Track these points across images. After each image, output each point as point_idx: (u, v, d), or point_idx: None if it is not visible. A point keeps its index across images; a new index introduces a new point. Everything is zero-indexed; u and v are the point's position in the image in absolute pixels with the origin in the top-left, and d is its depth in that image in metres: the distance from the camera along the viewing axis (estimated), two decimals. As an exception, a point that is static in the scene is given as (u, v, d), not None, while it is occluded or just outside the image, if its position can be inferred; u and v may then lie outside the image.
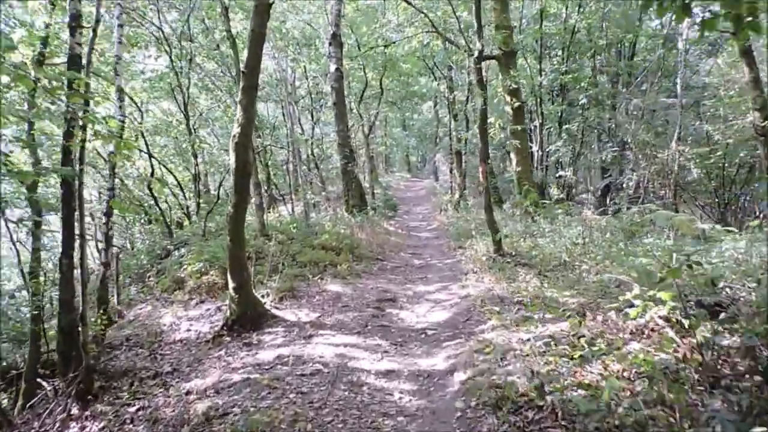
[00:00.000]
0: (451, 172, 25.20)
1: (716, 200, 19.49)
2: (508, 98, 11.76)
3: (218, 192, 14.73)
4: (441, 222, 19.39)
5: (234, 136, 7.59)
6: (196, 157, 16.50)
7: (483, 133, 10.32)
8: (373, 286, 9.61)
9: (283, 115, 24.81)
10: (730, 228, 12.17)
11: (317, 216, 16.45)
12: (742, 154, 18.50)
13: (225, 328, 7.71)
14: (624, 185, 14.82)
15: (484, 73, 23.09)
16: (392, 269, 11.33)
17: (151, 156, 13.62)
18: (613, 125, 22.89)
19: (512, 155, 13.47)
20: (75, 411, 6.22)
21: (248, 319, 7.66)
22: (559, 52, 21.99)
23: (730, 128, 17.37)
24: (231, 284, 7.74)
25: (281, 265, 9.93)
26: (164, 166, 16.48)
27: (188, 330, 8.26)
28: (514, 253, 10.69)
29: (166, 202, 15.56)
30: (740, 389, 3.88)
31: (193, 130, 16.10)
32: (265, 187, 21.41)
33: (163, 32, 14.90)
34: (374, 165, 25.44)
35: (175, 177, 17.09)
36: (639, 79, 22.76)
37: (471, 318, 7.20)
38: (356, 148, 23.36)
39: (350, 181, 17.86)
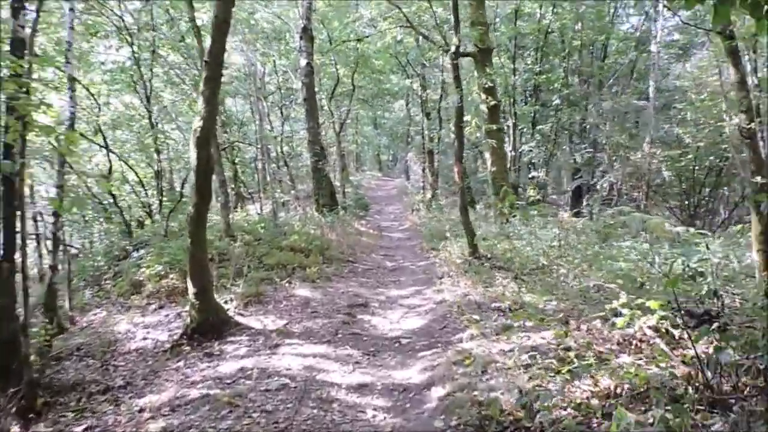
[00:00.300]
0: (423, 171, 24.87)
1: (686, 203, 19.59)
2: (483, 96, 11.45)
3: (182, 190, 14.06)
4: (413, 222, 19.04)
5: (195, 130, 7.06)
6: (158, 153, 15.77)
7: (459, 131, 9.97)
8: (344, 290, 9.16)
9: (252, 111, 24.26)
10: (702, 231, 12.10)
11: (286, 216, 15.92)
12: (711, 158, 18.61)
13: (184, 336, 7.17)
14: (597, 187, 14.66)
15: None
16: (364, 272, 10.91)
17: (109, 151, 12.90)
18: (587, 126, 22.91)
19: (487, 155, 13.19)
20: (16, 430, 5.63)
21: (210, 327, 7.14)
22: (533, 53, 21.87)
23: (702, 131, 17.42)
24: (191, 289, 7.21)
25: (247, 268, 9.42)
26: (125, 162, 15.69)
27: (145, 338, 7.68)
28: (489, 256, 10.37)
29: (125, 200, 14.80)
30: (744, 410, 3.57)
31: (155, 125, 15.38)
32: (232, 186, 20.80)
33: (124, 21, 14.16)
34: (345, 163, 24.96)
35: (136, 173, 16.31)
36: (611, 81, 22.82)
37: (447, 325, 6.82)
38: (327, 146, 22.85)
39: (321, 179, 17.37)
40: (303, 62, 17.32)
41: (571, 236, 11.14)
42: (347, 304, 8.13)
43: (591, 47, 22.29)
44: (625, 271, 8.22)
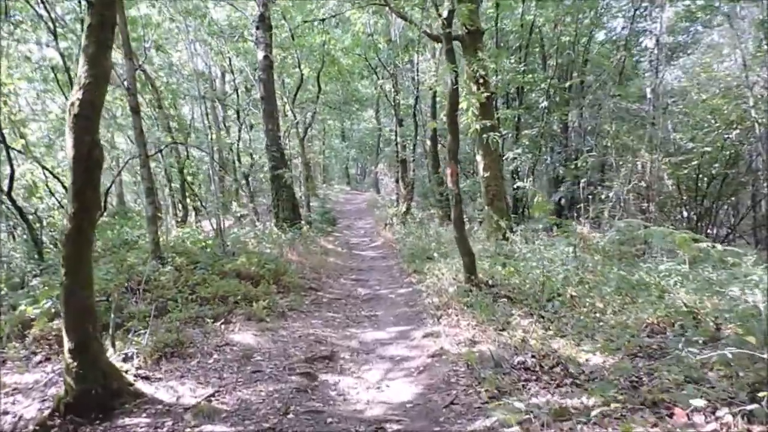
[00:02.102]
0: (397, 182, 22.65)
1: (691, 213, 17.82)
2: (473, 87, 9.27)
3: (105, 199, 11.43)
4: (387, 238, 16.75)
5: (72, 104, 4.66)
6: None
7: (452, 123, 7.75)
8: (303, 331, 6.78)
9: (207, 115, 21.77)
10: (735, 249, 10.01)
11: (239, 232, 13.46)
12: (716, 165, 16.89)
13: (56, 414, 4.70)
14: (605, 196, 12.64)
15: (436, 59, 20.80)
16: (330, 303, 8.54)
17: (8, 149, 10.26)
18: (570, 134, 21.06)
19: (478, 158, 11.03)
20: None
21: (93, 402, 4.69)
22: (516, 51, 19.96)
23: (709, 134, 15.66)
24: (67, 344, 4.76)
25: (173, 303, 6.98)
26: (45, 168, 13.03)
27: (5, 413, 5.16)
28: (490, 282, 8.14)
29: (35, 213, 12.13)
30: None
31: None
32: (180, 198, 18.23)
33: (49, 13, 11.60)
34: (310, 173, 22.57)
35: (60, 182, 13.65)
36: (598, 83, 21.08)
37: (456, 399, 4.50)
38: (291, 156, 20.47)
39: (280, 189, 14.98)
40: (260, 55, 15.01)
41: (586, 256, 9.00)
42: (305, 357, 5.74)
43: (576, 45, 20.46)
44: (690, 305, 6.06)
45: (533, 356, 5.23)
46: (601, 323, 6.11)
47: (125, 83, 9.09)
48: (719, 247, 8.46)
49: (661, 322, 6.05)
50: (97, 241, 10.78)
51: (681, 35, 22.08)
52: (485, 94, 10.03)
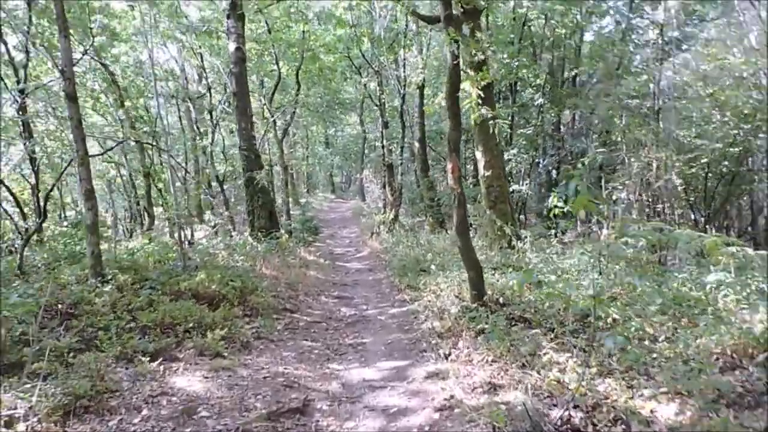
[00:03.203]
0: (383, 188, 21.28)
1: (697, 214, 16.57)
2: (471, 73, 7.88)
3: (43, 207, 9.84)
4: (373, 248, 15.34)
5: None
6: (33, 161, 11.65)
7: (453, 106, 6.34)
8: (270, 369, 5.29)
9: (180, 118, 20.26)
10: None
11: (206, 243, 11.93)
12: (726, 163, 15.68)
13: None
14: (615, 196, 11.32)
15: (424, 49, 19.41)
16: (307, 329, 7.06)
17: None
18: (563, 134, 19.86)
19: (478, 154, 9.62)
20: None
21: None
22: (509, 46, 18.67)
23: (720, 129, 14.43)
24: None
25: (105, 334, 5.46)
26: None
27: None
28: (501, 300, 6.72)
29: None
30: None
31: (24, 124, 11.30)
32: (145, 205, 16.66)
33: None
34: (290, 178, 21.06)
35: (8, 189, 12.06)
36: (595, 80, 19.91)
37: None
38: (269, 161, 18.96)
39: (256, 195, 13.47)
40: (232, 47, 13.52)
41: (599, 264, 7.62)
42: (269, 411, 4.26)
43: (569, 39, 19.22)
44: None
45: (578, 407, 3.83)
46: (654, 355, 4.73)
47: (59, 64, 7.59)
48: (749, 251, 7.13)
49: (734, 351, 4.67)
50: (41, 255, 9.23)
51: (675, 31, 21.04)
52: (485, 81, 8.62)
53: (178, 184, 13.36)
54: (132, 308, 6.21)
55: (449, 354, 5.30)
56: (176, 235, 16.07)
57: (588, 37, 20.79)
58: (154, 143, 12.61)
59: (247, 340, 6.01)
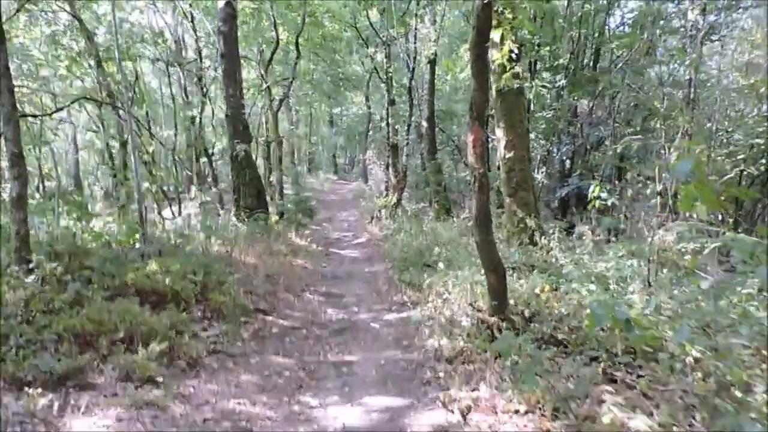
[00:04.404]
0: (387, 168, 19.79)
1: (727, 215, 15.07)
2: (496, 39, 6.31)
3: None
4: (373, 234, 13.91)
5: None
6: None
7: (479, 59, 4.83)
8: (216, 407, 3.86)
9: (170, 85, 18.74)
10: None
11: (183, 223, 10.50)
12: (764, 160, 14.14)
13: None
14: (649, 192, 9.77)
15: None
16: (281, 338, 5.62)
17: None
18: (579, 121, 18.27)
19: (499, 132, 8.10)
20: None
21: None
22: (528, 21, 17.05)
23: (760, 123, 12.87)
24: None
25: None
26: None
27: None
28: (526, 312, 5.28)
29: None
30: None
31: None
32: (120, 179, 15.17)
33: None
34: (291, 156, 19.55)
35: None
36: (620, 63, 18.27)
37: None
38: (266, 135, 17.46)
39: (242, 171, 12.02)
40: (221, 2, 12.01)
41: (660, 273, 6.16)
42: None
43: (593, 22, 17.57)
44: None
45: None
46: (750, 413, 3.30)
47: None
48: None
49: None
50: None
51: (711, 15, 19.37)
52: (509, 48, 7.04)
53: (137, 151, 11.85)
54: (51, 309, 4.78)
55: (461, 392, 3.87)
56: (172, 211, 14.81)
57: (613, 21, 19.23)
58: (109, 101, 10.99)
59: (196, 357, 4.57)
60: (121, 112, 10.45)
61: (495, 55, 6.00)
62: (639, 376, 4.15)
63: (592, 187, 5.98)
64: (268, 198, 16.61)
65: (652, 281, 5.91)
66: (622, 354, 4.51)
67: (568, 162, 19.10)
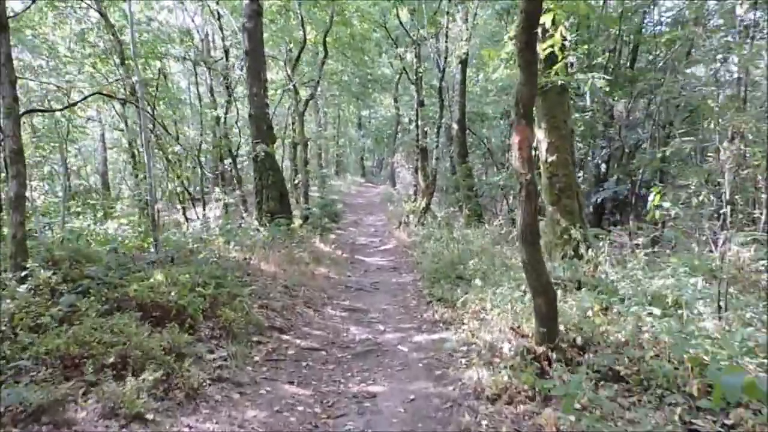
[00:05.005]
0: (416, 172, 19.15)
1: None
2: (546, 25, 5.56)
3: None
4: (401, 241, 13.25)
5: None
6: None
7: (527, 48, 4.11)
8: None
9: (198, 84, 18.39)
10: None
11: (202, 227, 10.01)
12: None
13: None
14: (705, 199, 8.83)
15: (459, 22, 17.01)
16: (297, 362, 4.99)
17: None
18: (619, 124, 17.33)
19: (540, 133, 7.36)
20: None
21: None
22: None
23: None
24: None
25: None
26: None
27: None
28: (578, 339, 4.56)
29: None
30: None
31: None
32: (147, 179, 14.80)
33: None
34: (310, 155, 18.95)
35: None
36: (660, 62, 17.29)
37: None
38: (292, 137, 16.94)
39: (265, 173, 11.48)
40: (246, -2, 11.53)
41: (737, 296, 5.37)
42: None
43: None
44: None
45: None
46: None
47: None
48: None
49: None
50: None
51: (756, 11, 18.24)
52: (553, 36, 6.29)
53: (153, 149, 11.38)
54: (39, 325, 4.23)
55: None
56: (197, 214, 14.41)
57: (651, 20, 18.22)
58: (123, 97, 10.55)
59: (196, 386, 3.96)
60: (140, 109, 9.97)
61: (541, 45, 5.26)
62: (727, 427, 3.43)
63: (652, 195, 5.23)
64: (293, 200, 16.14)
65: (722, 303, 5.12)
66: (699, 394, 3.80)
67: (603, 166, 18.28)
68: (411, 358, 5.11)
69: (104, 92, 9.21)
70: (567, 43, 4.69)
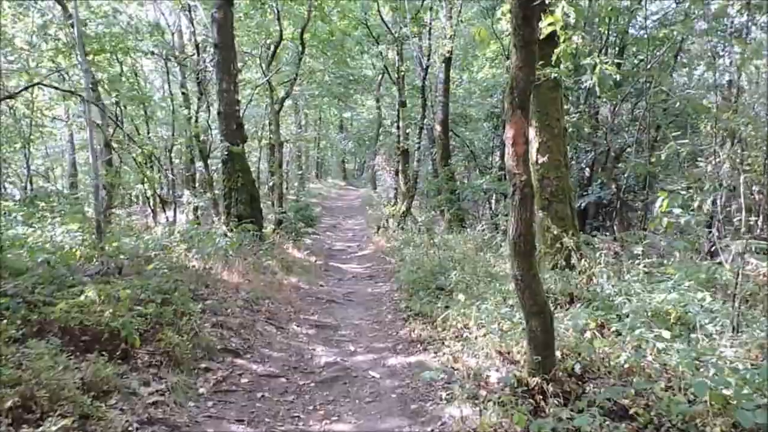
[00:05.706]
0: (396, 175, 18.50)
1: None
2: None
3: None
4: (379, 246, 12.58)
5: None
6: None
7: (525, 24, 3.51)
8: None
9: (169, 82, 17.57)
10: None
11: (160, 235, 9.23)
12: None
13: None
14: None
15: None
16: (251, 392, 4.27)
17: None
18: (601, 127, 16.90)
19: (531, 131, 6.75)
20: None
21: None
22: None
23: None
24: None
25: None
26: None
27: None
28: (578, 369, 3.92)
29: None
30: None
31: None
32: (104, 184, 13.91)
33: None
34: (283, 155, 18.14)
35: None
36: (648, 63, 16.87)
37: None
38: (269, 137, 16.19)
39: (234, 174, 10.73)
40: (214, -15, 10.79)
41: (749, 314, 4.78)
42: None
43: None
44: None
45: None
46: None
47: None
48: None
49: None
50: None
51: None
52: (549, 29, 5.67)
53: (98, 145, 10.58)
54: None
55: None
56: (166, 217, 13.61)
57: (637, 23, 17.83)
58: (71, 89, 9.75)
59: (118, 433, 3.24)
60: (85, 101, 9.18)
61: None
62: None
63: (660, 200, 4.60)
64: (268, 204, 15.39)
65: (736, 324, 4.52)
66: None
67: (587, 170, 17.86)
68: (383, 386, 4.43)
69: (45, 84, 8.36)
70: (571, 20, 4.01)
